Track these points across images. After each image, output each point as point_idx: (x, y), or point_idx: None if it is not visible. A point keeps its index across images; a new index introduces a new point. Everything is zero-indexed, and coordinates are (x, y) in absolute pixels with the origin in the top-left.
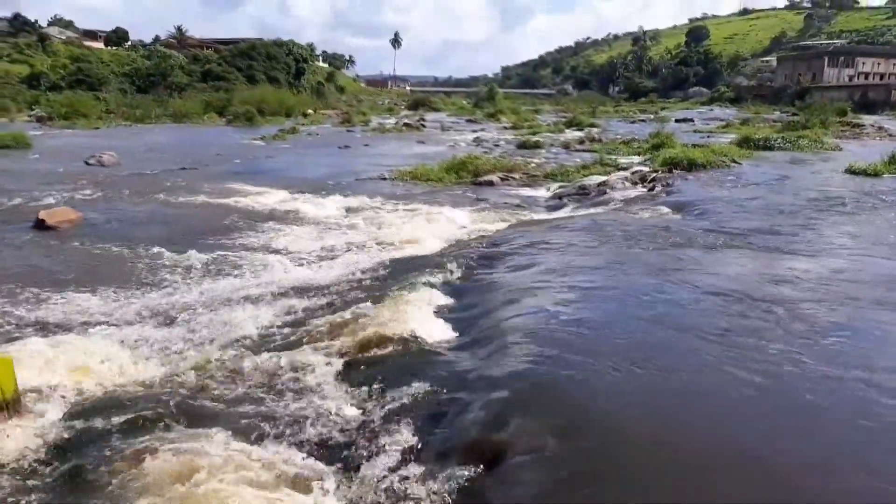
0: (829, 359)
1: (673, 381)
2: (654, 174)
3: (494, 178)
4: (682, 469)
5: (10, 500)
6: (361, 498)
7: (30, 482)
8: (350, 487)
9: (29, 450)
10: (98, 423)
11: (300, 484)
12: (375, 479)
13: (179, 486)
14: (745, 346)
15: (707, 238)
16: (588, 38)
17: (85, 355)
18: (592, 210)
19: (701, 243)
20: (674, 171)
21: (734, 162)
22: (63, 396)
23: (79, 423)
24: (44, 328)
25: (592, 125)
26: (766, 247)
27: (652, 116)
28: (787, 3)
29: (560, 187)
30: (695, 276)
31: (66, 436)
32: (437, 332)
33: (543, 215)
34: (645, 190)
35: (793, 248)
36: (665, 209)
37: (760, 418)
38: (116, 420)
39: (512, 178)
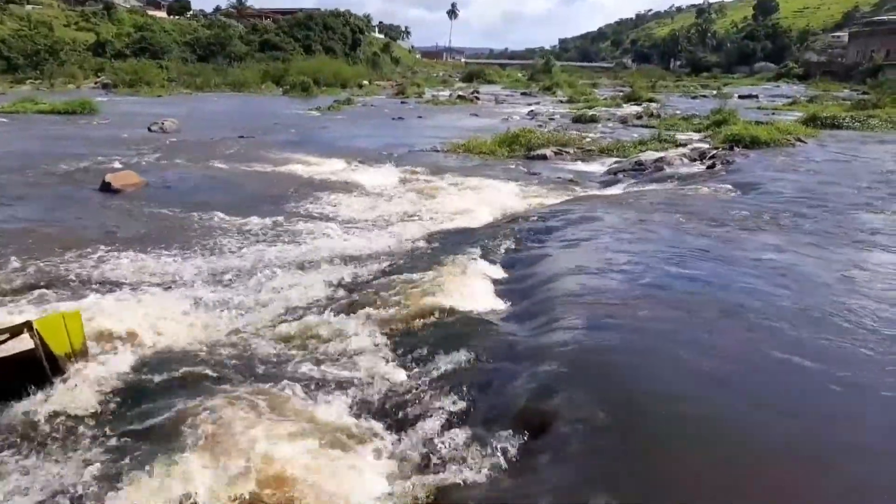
0: None
1: (726, 361)
2: (714, 151)
3: (548, 151)
4: (731, 449)
5: (77, 443)
6: (410, 457)
7: (96, 427)
8: (399, 447)
9: (96, 397)
10: (160, 375)
11: (352, 440)
12: (423, 441)
13: (239, 437)
14: (806, 332)
15: (768, 219)
16: (650, 11)
17: (149, 312)
18: (648, 187)
19: (762, 224)
20: (735, 148)
21: (799, 140)
22: (127, 350)
23: (142, 375)
24: (111, 285)
25: (651, 100)
26: (830, 230)
27: (714, 92)
28: None
29: (615, 163)
30: (754, 258)
31: (130, 386)
32: (487, 303)
33: (597, 191)
34: (704, 167)
35: (860, 233)
36: (724, 187)
37: (816, 407)
38: (177, 374)
39: (566, 152)
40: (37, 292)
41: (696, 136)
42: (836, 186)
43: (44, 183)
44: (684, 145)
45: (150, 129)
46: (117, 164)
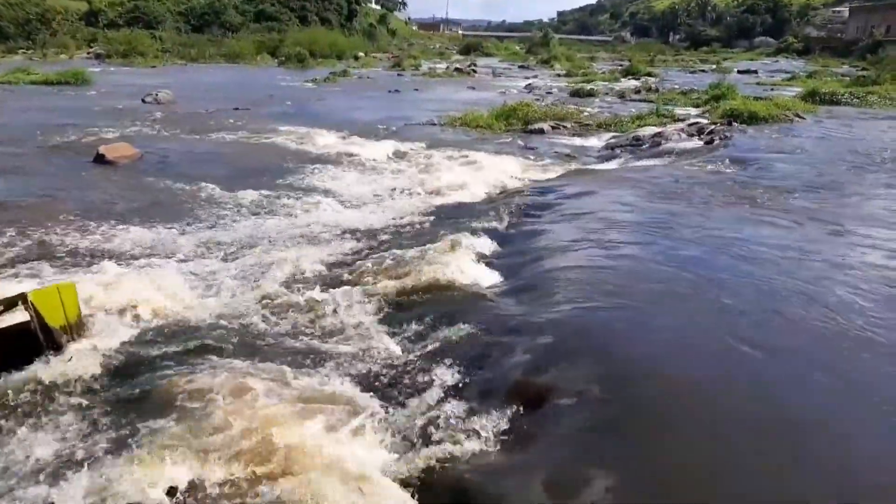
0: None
1: (723, 335)
2: (713, 126)
3: (545, 126)
4: (727, 421)
5: (71, 416)
6: (406, 429)
7: (90, 400)
8: (396, 419)
9: (90, 370)
10: (156, 348)
11: (349, 412)
12: (419, 413)
13: (236, 409)
14: (799, 306)
15: (765, 195)
16: None
17: (143, 285)
18: (646, 162)
19: (758, 200)
20: (733, 124)
21: (798, 116)
22: (123, 323)
23: (138, 348)
24: (105, 258)
25: (650, 74)
26: (828, 207)
27: (713, 67)
28: None
29: (613, 137)
30: (750, 234)
31: (125, 359)
32: (482, 278)
33: (594, 165)
34: (702, 143)
35: (857, 210)
36: (722, 163)
37: (805, 380)
38: (173, 346)
39: (563, 126)
40: (30, 264)
41: (694, 111)
42: (833, 164)
43: (36, 155)
44: (682, 120)
45: (143, 101)
46: (111, 136)
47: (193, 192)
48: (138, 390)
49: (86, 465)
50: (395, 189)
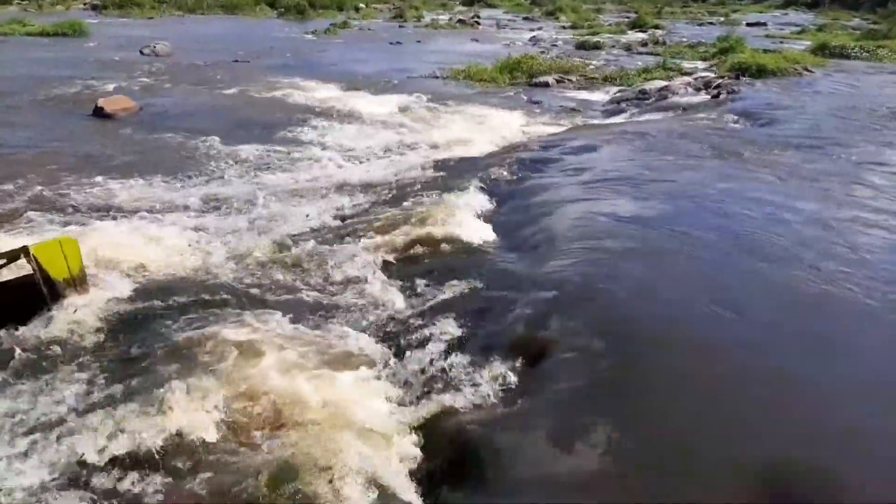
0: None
1: (725, 291)
2: (720, 80)
3: (550, 79)
4: (723, 376)
5: (77, 368)
6: (410, 381)
7: (96, 352)
8: (400, 371)
9: (94, 324)
10: (160, 302)
11: (353, 365)
12: (423, 366)
13: (240, 361)
14: (805, 263)
15: (772, 150)
16: None
17: (146, 238)
18: (652, 116)
19: (765, 155)
20: (741, 77)
21: (807, 70)
22: (126, 277)
23: (142, 302)
24: (106, 211)
25: (657, 27)
26: (835, 161)
27: (722, 19)
28: None
29: (619, 91)
30: (756, 188)
31: (130, 312)
32: (485, 233)
33: (600, 120)
34: (709, 97)
35: (864, 164)
36: (729, 117)
37: (809, 339)
38: (176, 299)
39: (568, 80)
40: (30, 218)
41: (701, 64)
42: (841, 119)
43: (34, 107)
44: (690, 74)
45: (141, 53)
46: (109, 88)
47: (194, 145)
48: (144, 342)
49: (93, 415)
50: (397, 143)
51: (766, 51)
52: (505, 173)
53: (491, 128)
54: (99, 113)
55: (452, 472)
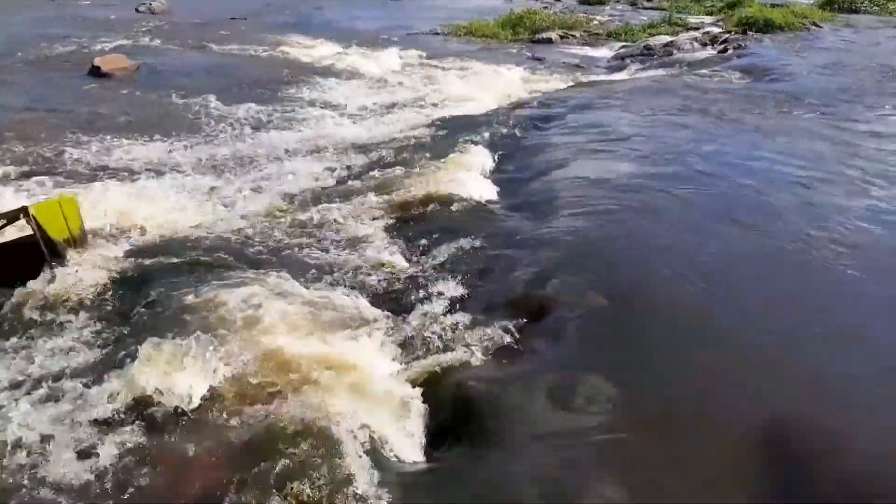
0: None
1: (725, 252)
2: (727, 35)
3: (553, 35)
4: (721, 331)
5: (79, 328)
6: (412, 339)
7: (98, 311)
8: (402, 330)
9: (97, 283)
10: (160, 261)
11: (355, 324)
12: (425, 324)
13: (241, 321)
14: (805, 224)
15: (778, 106)
16: None
17: (147, 198)
18: (657, 72)
19: (771, 111)
20: (748, 32)
21: (815, 25)
22: (127, 236)
23: (143, 261)
24: (105, 171)
25: None
26: (842, 117)
27: None
28: None
29: (623, 47)
30: (759, 149)
31: (131, 271)
32: (487, 192)
33: (603, 76)
34: (715, 52)
35: (871, 121)
36: (736, 73)
37: (814, 297)
38: (177, 259)
39: (572, 35)
40: (28, 179)
41: (708, 19)
42: (848, 75)
43: (30, 68)
44: (696, 29)
45: (137, 10)
46: (106, 47)
47: (192, 104)
48: (145, 301)
49: (92, 373)
50: (397, 101)
51: (773, 5)
52: (507, 131)
53: (493, 85)
54: (96, 72)
55: (454, 428)
